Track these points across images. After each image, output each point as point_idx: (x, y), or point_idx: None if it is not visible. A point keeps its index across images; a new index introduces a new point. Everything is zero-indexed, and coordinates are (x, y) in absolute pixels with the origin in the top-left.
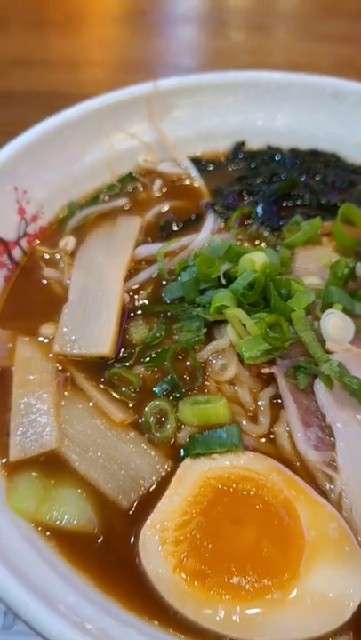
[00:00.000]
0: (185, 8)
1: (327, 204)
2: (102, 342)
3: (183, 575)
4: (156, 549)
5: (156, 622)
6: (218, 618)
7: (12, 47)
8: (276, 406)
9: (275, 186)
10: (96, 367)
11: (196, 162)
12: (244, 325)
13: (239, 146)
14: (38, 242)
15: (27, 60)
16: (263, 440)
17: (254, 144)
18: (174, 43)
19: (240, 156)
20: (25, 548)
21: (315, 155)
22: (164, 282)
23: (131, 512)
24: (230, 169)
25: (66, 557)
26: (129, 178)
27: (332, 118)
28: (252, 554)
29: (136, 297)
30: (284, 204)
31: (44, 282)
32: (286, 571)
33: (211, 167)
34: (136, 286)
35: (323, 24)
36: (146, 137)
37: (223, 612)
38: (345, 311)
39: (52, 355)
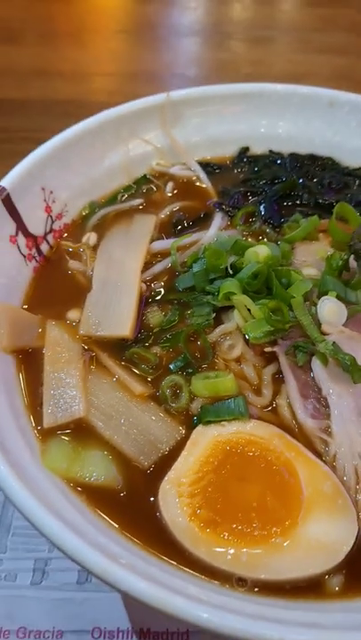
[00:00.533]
0: (190, 21)
1: (324, 203)
2: (123, 325)
3: (197, 523)
4: (174, 501)
5: (174, 562)
6: (227, 558)
7: (29, 58)
8: (278, 381)
9: (276, 187)
10: (118, 347)
11: (205, 165)
12: (249, 310)
13: (244, 151)
14: (64, 237)
15: (43, 70)
16: (266, 410)
17: (258, 149)
18: (181, 54)
19: (245, 160)
20: (60, 499)
21: (313, 159)
22: (177, 273)
23: (149, 471)
24: (236, 172)
25: (94, 508)
26: (144, 180)
27: (328, 125)
28: (256, 505)
29: (152, 286)
30: (284, 204)
31: (70, 272)
32: (287, 520)
33: (218, 170)
34: (151, 277)
35: (321, 36)
36: (159, 143)
37: (232, 554)
38: (339, 298)
39: (78, 336)
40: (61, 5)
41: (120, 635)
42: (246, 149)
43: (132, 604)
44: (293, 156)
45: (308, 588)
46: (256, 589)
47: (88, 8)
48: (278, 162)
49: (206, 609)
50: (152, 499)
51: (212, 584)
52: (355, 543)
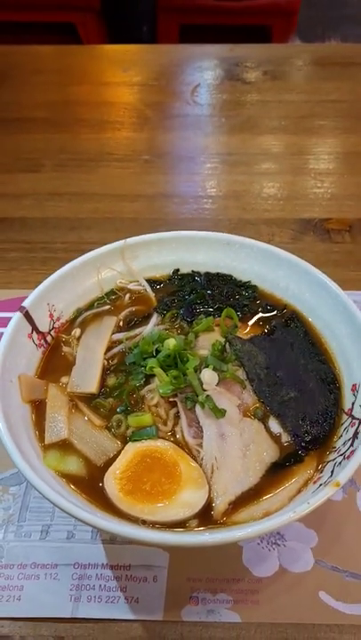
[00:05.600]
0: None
1: (221, 307)
2: (91, 385)
3: (123, 493)
4: (112, 482)
5: (109, 512)
6: (137, 509)
7: (46, 183)
8: (176, 417)
9: (191, 297)
10: (88, 398)
11: (150, 282)
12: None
13: (175, 272)
14: (61, 331)
15: (56, 193)
16: (169, 433)
17: (184, 270)
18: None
19: (175, 278)
20: (54, 482)
21: (219, 275)
22: (126, 353)
23: (101, 467)
24: (169, 286)
25: (72, 487)
26: (111, 292)
27: (226, 256)
28: (156, 483)
29: (111, 362)
30: (196, 309)
31: (63, 354)
32: (171, 491)
33: (159, 285)
34: (111, 356)
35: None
36: (120, 269)
37: (140, 508)
38: (215, 369)
39: (66, 393)
40: (71, 138)
41: (90, 566)
42: (177, 270)
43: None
44: (207, 274)
45: (179, 525)
46: (151, 526)
47: (90, 139)
48: (197, 278)
49: (123, 529)
50: (101, 483)
51: (128, 522)
52: (204, 504)
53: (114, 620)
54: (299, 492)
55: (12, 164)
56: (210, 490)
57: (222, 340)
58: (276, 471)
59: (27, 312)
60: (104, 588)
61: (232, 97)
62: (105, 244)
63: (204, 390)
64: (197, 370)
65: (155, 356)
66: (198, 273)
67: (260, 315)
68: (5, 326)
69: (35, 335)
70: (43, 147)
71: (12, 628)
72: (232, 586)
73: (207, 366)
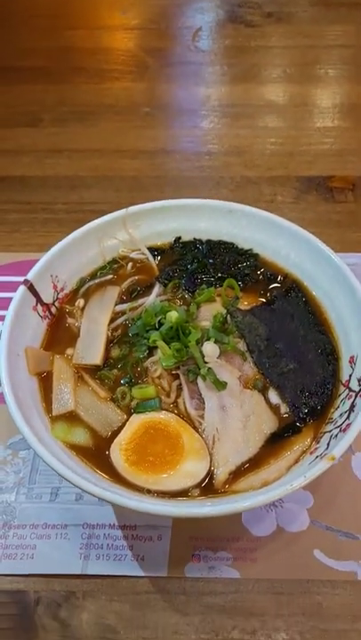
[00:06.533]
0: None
1: (222, 276)
2: (96, 357)
3: (128, 463)
4: (117, 453)
5: (115, 482)
6: (142, 479)
7: (46, 138)
8: (179, 389)
9: (193, 267)
10: (93, 370)
11: (152, 250)
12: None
13: (177, 239)
14: (64, 302)
15: (56, 149)
16: (171, 405)
17: (186, 238)
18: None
19: (177, 246)
20: (61, 453)
21: (221, 243)
22: (129, 325)
23: (107, 438)
24: (171, 254)
25: (79, 456)
26: (113, 262)
27: (229, 223)
28: (160, 454)
29: (114, 333)
30: (198, 278)
31: (68, 325)
32: (175, 461)
33: (161, 253)
34: (114, 327)
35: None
36: (122, 238)
37: (144, 478)
38: (217, 341)
39: (71, 364)
40: (69, 89)
41: (98, 526)
42: (179, 238)
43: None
44: (209, 241)
45: (182, 494)
46: (155, 495)
47: (89, 90)
48: (199, 246)
49: (129, 501)
50: (107, 451)
51: (134, 492)
52: (206, 473)
53: (121, 576)
54: (296, 461)
55: (11, 118)
56: (211, 460)
57: (224, 311)
58: (275, 442)
59: (31, 285)
60: (112, 546)
61: (235, 42)
62: (106, 204)
63: (206, 363)
64: (199, 342)
65: (157, 329)
66: (200, 241)
67: (262, 284)
68: (8, 291)
69: (39, 307)
70: (41, 98)
71: (27, 584)
72: (232, 544)
73: (209, 339)
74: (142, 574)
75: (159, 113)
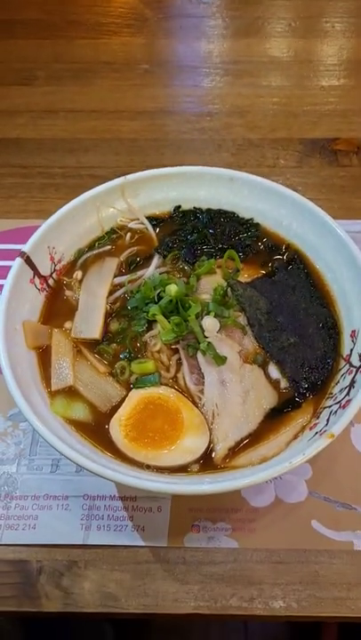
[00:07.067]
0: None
1: (223, 247)
2: (95, 331)
3: (128, 439)
4: (117, 428)
5: (115, 457)
6: (141, 455)
7: (40, 98)
8: (178, 364)
9: (193, 237)
10: (92, 344)
11: (151, 219)
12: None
13: (176, 208)
14: (62, 274)
15: (52, 109)
16: (171, 380)
17: (186, 207)
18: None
19: (177, 214)
20: (60, 428)
21: (221, 212)
22: (128, 298)
23: (106, 413)
24: (170, 224)
25: (78, 432)
26: (112, 232)
27: (230, 192)
28: (159, 430)
29: (113, 306)
30: (198, 249)
31: (66, 298)
32: (174, 437)
33: (161, 223)
34: (113, 300)
35: None
36: (120, 207)
37: (144, 454)
38: (217, 315)
39: (69, 338)
40: (64, 44)
41: (99, 497)
42: (178, 207)
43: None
44: (209, 211)
45: (181, 469)
46: (155, 471)
47: (85, 44)
48: (199, 215)
49: (126, 477)
50: (106, 426)
51: (134, 468)
52: (205, 449)
53: (122, 546)
54: (295, 437)
55: (4, 76)
56: (210, 435)
57: (224, 283)
58: (274, 417)
59: (27, 257)
60: (112, 517)
61: None
62: (104, 168)
63: (206, 337)
64: (199, 316)
65: (156, 302)
66: (200, 210)
67: (263, 255)
68: (6, 259)
69: (37, 280)
70: (35, 54)
71: (29, 554)
72: (231, 515)
73: (209, 313)
74: (143, 544)
75: (158, 70)
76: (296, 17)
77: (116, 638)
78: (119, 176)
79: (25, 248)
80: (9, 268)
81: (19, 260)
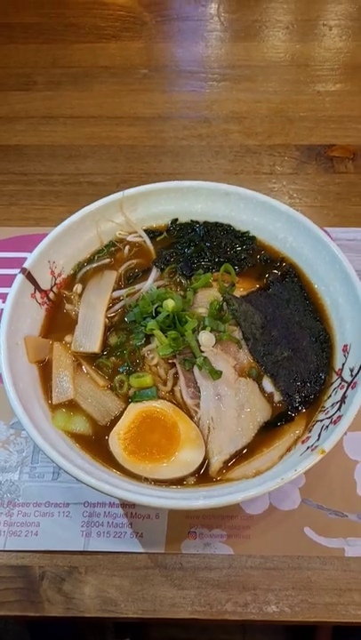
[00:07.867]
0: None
1: (219, 260)
2: (94, 345)
3: (126, 452)
4: (116, 442)
5: (115, 471)
6: (140, 468)
7: (39, 104)
8: (175, 377)
9: (189, 251)
10: (91, 358)
11: (149, 232)
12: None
13: (174, 221)
14: (62, 288)
15: (51, 115)
16: (168, 394)
17: (183, 220)
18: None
19: (174, 228)
20: (61, 442)
21: (217, 225)
22: (127, 311)
23: (106, 426)
24: (168, 237)
25: (78, 446)
26: (110, 245)
27: (225, 206)
28: (157, 443)
29: (112, 320)
30: (195, 263)
31: (66, 311)
32: (171, 451)
33: (158, 236)
34: (112, 314)
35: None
36: (119, 220)
37: (142, 467)
38: (213, 329)
39: (70, 352)
40: (62, 48)
41: (99, 505)
42: (176, 220)
43: None
44: (206, 223)
45: (178, 482)
46: (153, 483)
47: (83, 49)
48: (196, 228)
49: (125, 492)
50: (106, 438)
51: (132, 481)
52: (201, 463)
53: (121, 552)
54: (288, 450)
55: (2, 81)
56: (206, 449)
57: (220, 297)
58: (268, 430)
59: (29, 273)
60: (112, 524)
61: None
62: (103, 175)
63: (202, 352)
64: (195, 331)
65: (154, 317)
66: (197, 222)
67: (258, 268)
68: (8, 267)
69: (37, 294)
70: (33, 59)
71: (32, 560)
72: (226, 522)
73: (205, 328)
74: (141, 550)
75: (157, 75)
76: (294, 20)
77: (117, 630)
78: (118, 183)
79: (26, 264)
80: (10, 276)
81: (20, 277)
